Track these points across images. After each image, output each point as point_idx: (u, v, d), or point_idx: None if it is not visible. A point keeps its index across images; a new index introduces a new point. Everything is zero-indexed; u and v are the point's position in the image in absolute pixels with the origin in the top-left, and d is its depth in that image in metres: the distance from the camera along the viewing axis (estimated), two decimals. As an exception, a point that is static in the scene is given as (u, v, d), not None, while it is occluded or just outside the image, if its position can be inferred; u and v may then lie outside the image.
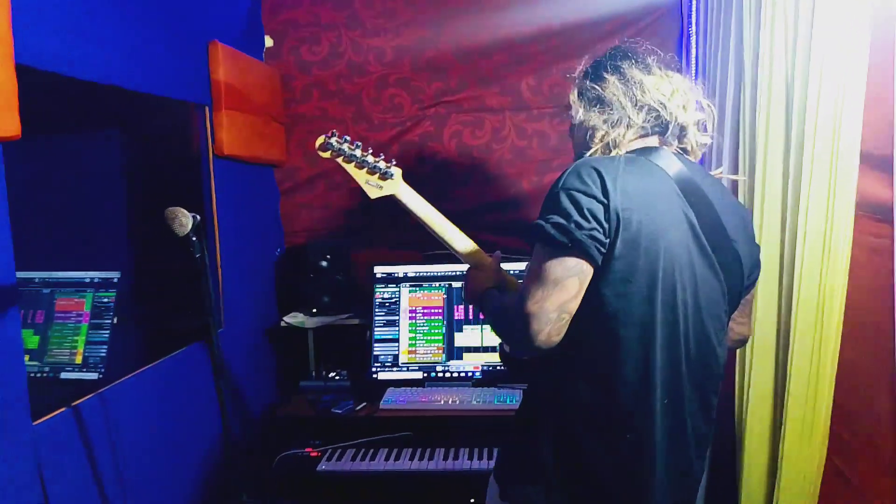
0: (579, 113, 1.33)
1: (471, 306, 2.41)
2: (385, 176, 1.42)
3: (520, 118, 2.74)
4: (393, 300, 2.47)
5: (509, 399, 2.20)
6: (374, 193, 1.43)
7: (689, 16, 2.56)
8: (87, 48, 1.60)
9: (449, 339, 2.41)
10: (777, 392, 1.65)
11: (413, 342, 2.42)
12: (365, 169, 1.42)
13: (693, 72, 2.49)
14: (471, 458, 2.05)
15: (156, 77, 1.93)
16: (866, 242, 1.42)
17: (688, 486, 1.30)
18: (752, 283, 1.38)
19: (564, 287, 1.12)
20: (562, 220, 1.13)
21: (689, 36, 2.60)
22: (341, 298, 2.61)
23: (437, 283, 2.47)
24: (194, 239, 1.38)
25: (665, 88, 1.27)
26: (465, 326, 2.42)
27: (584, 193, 1.14)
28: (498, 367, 2.37)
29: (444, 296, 2.45)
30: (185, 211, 1.34)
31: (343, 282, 2.60)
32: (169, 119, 2.28)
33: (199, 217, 1.39)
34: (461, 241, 1.48)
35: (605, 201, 1.13)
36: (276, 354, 2.71)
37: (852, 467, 1.47)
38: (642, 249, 1.15)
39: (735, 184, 1.91)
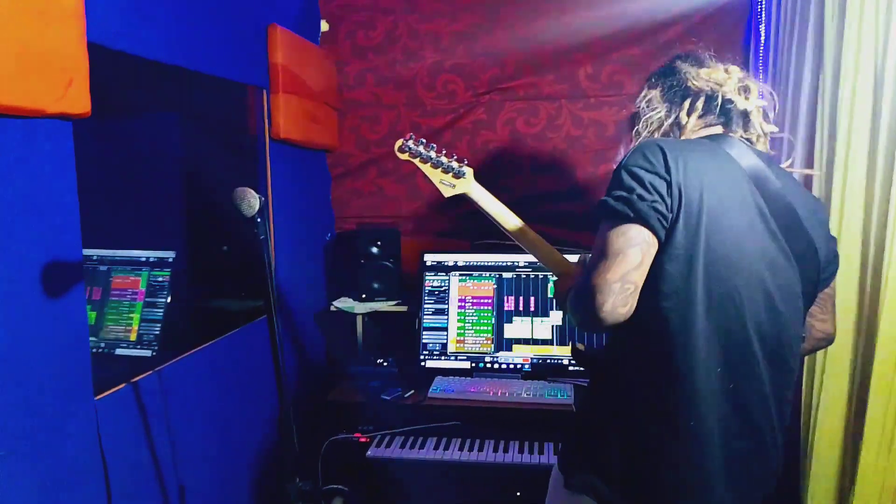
0: (643, 104, 1.37)
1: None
2: (458, 175, 1.48)
3: (576, 106, 2.67)
4: (442, 289, 2.45)
5: (560, 394, 2.16)
6: (447, 192, 1.50)
7: (759, 3, 2.45)
8: (152, 28, 1.61)
9: (498, 329, 2.38)
10: (852, 398, 1.57)
11: (462, 332, 2.40)
12: (440, 168, 1.48)
13: (761, 61, 2.38)
14: (521, 451, 2.02)
15: (217, 59, 1.94)
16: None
17: (758, 481, 1.24)
18: (831, 276, 1.33)
19: (627, 257, 1.12)
20: (624, 194, 1.15)
21: (758, 24, 2.49)
22: (390, 285, 2.60)
23: (488, 273, 2.43)
24: (259, 220, 1.38)
25: (719, 76, 1.29)
26: (514, 318, 2.38)
27: (646, 170, 1.15)
28: (548, 360, 2.33)
29: (495, 286, 2.42)
30: (254, 192, 1.33)
31: (393, 268, 2.59)
32: (227, 102, 2.29)
33: (264, 199, 1.39)
34: (537, 244, 1.51)
35: (668, 178, 1.14)
36: (324, 339, 2.71)
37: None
38: (704, 227, 1.13)
39: (807, 178, 1.83)
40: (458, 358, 2.38)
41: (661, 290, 1.15)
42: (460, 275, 2.45)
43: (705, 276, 1.14)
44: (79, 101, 1.32)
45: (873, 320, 1.48)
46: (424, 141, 1.49)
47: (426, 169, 1.50)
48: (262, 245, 1.45)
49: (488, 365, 2.36)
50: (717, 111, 1.29)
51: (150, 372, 1.65)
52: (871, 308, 1.51)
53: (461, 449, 2.04)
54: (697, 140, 1.26)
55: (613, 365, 1.27)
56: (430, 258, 2.48)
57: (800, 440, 1.72)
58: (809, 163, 1.86)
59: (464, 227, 2.77)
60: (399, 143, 1.49)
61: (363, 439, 2.09)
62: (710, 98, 1.28)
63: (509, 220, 1.52)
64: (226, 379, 1.98)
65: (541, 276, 2.40)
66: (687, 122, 1.29)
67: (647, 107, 1.36)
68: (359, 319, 2.59)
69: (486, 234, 2.78)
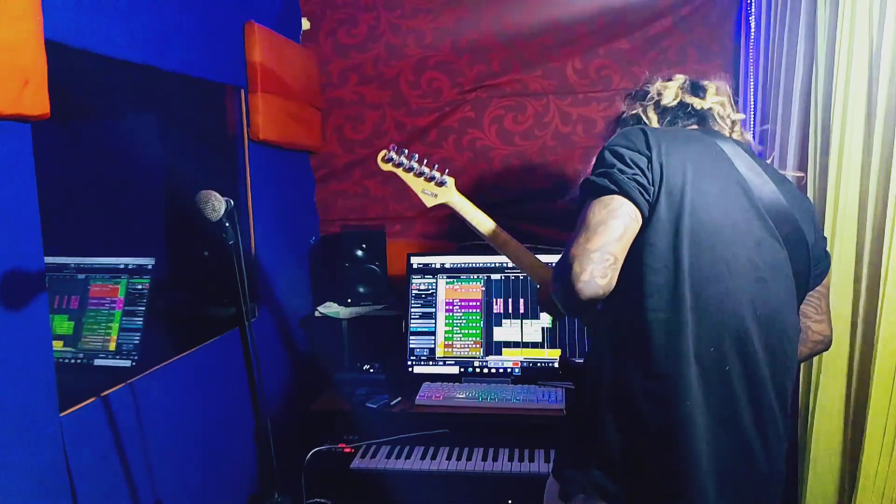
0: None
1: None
2: (439, 184, 1.54)
3: (564, 102, 2.61)
4: (429, 292, 2.38)
5: (551, 398, 2.10)
6: (429, 202, 1.56)
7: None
8: (117, 25, 1.54)
9: (487, 333, 2.31)
10: (850, 401, 1.51)
11: (450, 336, 2.33)
12: (422, 178, 1.55)
13: (752, 53, 2.33)
14: (511, 459, 1.96)
15: (191, 58, 1.87)
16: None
17: (754, 482, 1.18)
18: (823, 273, 1.31)
19: (608, 227, 1.12)
20: (604, 170, 1.17)
21: (748, 16, 2.44)
22: (376, 289, 2.53)
23: (476, 275, 2.37)
24: (227, 224, 1.31)
25: (660, 86, 1.37)
26: (504, 320, 2.32)
27: (627, 147, 1.18)
28: (538, 364, 2.27)
29: (483, 288, 2.36)
30: (218, 195, 1.26)
31: (378, 272, 2.53)
32: (204, 102, 2.22)
33: (232, 202, 1.32)
34: (519, 253, 1.53)
35: (648, 153, 1.16)
36: (309, 345, 2.65)
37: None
38: (689, 200, 1.14)
39: (800, 181, 1.77)
40: (447, 363, 2.31)
41: (648, 265, 1.14)
42: (447, 277, 2.38)
43: (691, 246, 1.13)
44: (36, 103, 1.25)
45: (871, 320, 1.43)
46: (406, 151, 1.54)
47: (408, 179, 1.56)
48: (232, 251, 1.38)
49: (477, 370, 2.29)
50: (682, 115, 1.34)
51: (122, 385, 1.58)
52: (868, 307, 1.46)
53: (449, 458, 1.97)
54: (682, 128, 1.32)
55: (599, 356, 1.23)
56: (416, 260, 2.42)
57: (797, 445, 1.67)
58: (803, 156, 1.81)
59: (451, 228, 2.70)
60: (382, 154, 1.54)
61: (348, 450, 2.02)
62: (657, 104, 1.35)
63: (490, 228, 1.54)
64: (203, 390, 1.91)
65: (529, 278, 2.33)
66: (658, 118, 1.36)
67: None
68: (344, 325, 2.52)
69: (473, 236, 2.72)
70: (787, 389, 1.21)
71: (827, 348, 1.37)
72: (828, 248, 1.33)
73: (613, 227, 1.11)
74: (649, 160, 1.16)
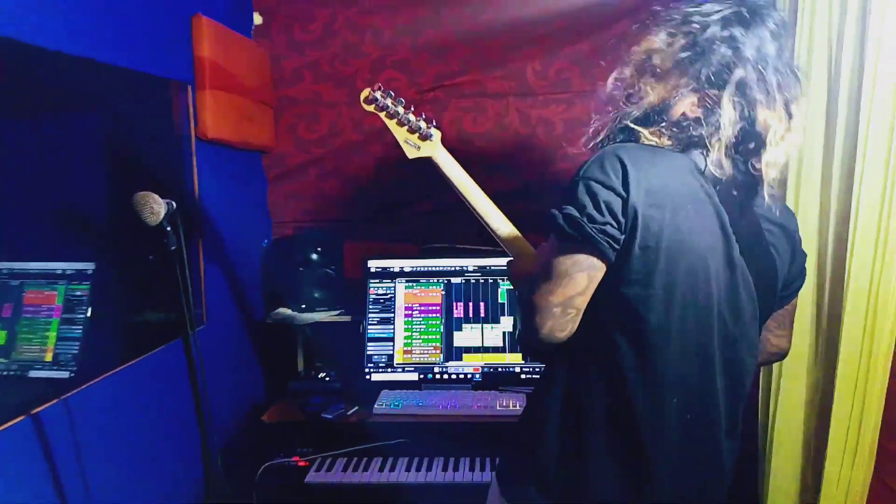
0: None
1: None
2: (424, 136, 1.43)
3: (524, 104, 2.58)
4: (388, 296, 2.31)
5: (513, 404, 2.05)
6: (411, 153, 1.45)
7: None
8: (55, 15, 1.43)
9: (447, 338, 2.26)
10: (809, 405, 1.51)
11: (409, 341, 2.27)
12: (406, 127, 1.43)
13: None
14: (472, 468, 1.90)
15: (133, 51, 1.76)
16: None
17: (707, 483, 1.18)
18: (794, 293, 1.26)
19: (572, 281, 1.07)
20: (574, 213, 1.06)
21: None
22: (332, 294, 2.45)
23: (436, 279, 2.31)
24: (168, 229, 1.22)
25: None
26: (464, 325, 2.27)
27: (603, 185, 1.05)
28: (499, 369, 2.22)
29: (443, 292, 2.30)
30: (158, 197, 1.17)
31: (334, 276, 2.45)
32: (149, 99, 2.10)
33: (174, 204, 1.23)
34: (500, 222, 1.46)
35: (625, 195, 1.04)
36: (261, 353, 2.54)
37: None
38: (662, 252, 1.04)
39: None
40: (406, 370, 2.25)
41: (617, 312, 1.09)
42: (407, 281, 2.32)
43: (659, 302, 1.06)
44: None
45: (835, 324, 1.42)
46: (393, 94, 1.41)
47: (391, 125, 1.44)
48: (174, 257, 1.29)
49: (437, 376, 2.24)
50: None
51: (55, 401, 1.47)
52: (831, 310, 1.45)
53: (409, 469, 1.91)
54: (663, 150, 1.12)
55: (558, 366, 1.19)
56: (374, 264, 2.35)
57: (757, 448, 1.66)
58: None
59: (411, 230, 2.64)
60: (366, 92, 1.40)
61: (302, 463, 1.94)
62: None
63: (473, 191, 1.47)
64: (148, 403, 1.80)
65: (490, 281, 2.29)
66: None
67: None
68: (298, 331, 2.43)
69: (435, 237, 2.67)
70: (739, 417, 1.19)
71: (781, 359, 1.36)
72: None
73: (578, 280, 1.06)
74: (625, 202, 1.04)
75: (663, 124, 1.13)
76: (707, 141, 1.08)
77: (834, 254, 1.44)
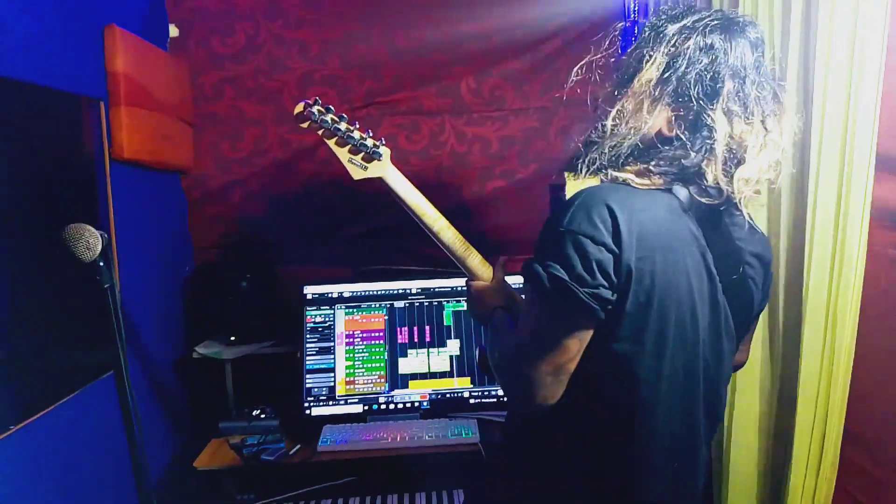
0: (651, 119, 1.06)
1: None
2: (371, 156, 1.29)
3: (459, 122, 2.54)
4: (326, 324, 2.19)
5: (465, 432, 1.98)
6: (357, 174, 1.30)
7: (633, 15, 2.46)
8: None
9: (392, 365, 2.16)
10: (765, 417, 1.53)
11: (351, 371, 2.15)
12: (348, 146, 1.28)
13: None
14: (429, 503, 1.81)
15: (38, 64, 1.58)
16: (885, 254, 1.32)
17: None
18: (759, 314, 1.25)
19: (563, 348, 0.99)
20: (562, 274, 0.96)
21: (631, 42, 2.51)
22: (264, 324, 2.29)
23: (377, 303, 2.21)
24: (102, 265, 1.07)
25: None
26: (409, 351, 2.18)
27: (593, 240, 0.95)
28: (447, 395, 2.14)
29: (386, 317, 2.20)
30: (93, 229, 1.02)
31: (266, 304, 2.29)
32: (56, 117, 1.88)
33: (107, 236, 1.08)
34: (457, 243, 1.36)
35: (617, 251, 0.96)
36: (186, 392, 2.34)
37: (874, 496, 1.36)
38: (654, 306, 0.98)
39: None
40: (349, 402, 2.12)
41: (605, 368, 1.02)
42: (346, 307, 2.20)
43: (650, 356, 1.00)
44: None
45: (790, 336, 1.45)
46: (332, 108, 1.25)
47: (331, 145, 1.28)
48: (108, 294, 1.14)
49: (383, 406, 2.13)
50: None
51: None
52: (786, 321, 1.48)
53: (362, 510, 1.79)
54: (647, 192, 1.04)
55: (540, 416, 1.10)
56: (311, 290, 2.21)
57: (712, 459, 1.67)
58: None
59: (346, 253, 2.53)
60: (299, 107, 1.23)
61: (244, 511, 1.78)
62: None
63: (428, 211, 1.35)
64: (64, 458, 1.59)
65: (435, 303, 2.22)
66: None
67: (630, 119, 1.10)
68: (228, 366, 2.25)
69: (371, 259, 2.56)
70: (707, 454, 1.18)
71: (736, 371, 1.37)
72: None
73: (569, 347, 0.98)
74: (617, 259, 0.96)
75: (651, 161, 1.05)
76: (699, 166, 1.01)
77: (788, 265, 1.46)
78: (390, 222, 2.53)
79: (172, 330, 2.36)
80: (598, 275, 0.95)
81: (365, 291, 2.22)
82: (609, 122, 1.09)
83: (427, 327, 2.20)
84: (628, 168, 1.08)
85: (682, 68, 1.01)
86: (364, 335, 2.18)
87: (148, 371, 2.12)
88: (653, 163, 1.04)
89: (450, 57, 2.49)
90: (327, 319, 2.19)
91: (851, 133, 1.30)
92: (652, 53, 1.06)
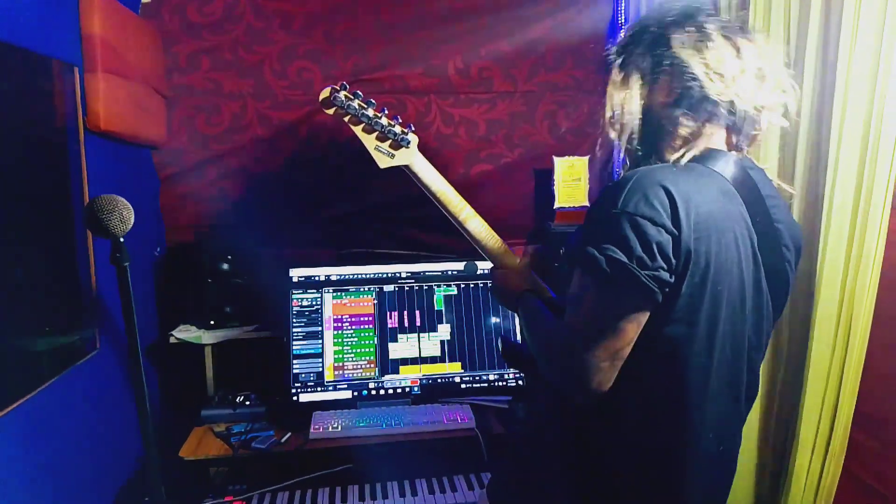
0: (645, 98, 1.08)
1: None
2: (399, 143, 1.26)
3: (446, 103, 2.49)
4: (314, 308, 2.11)
5: (458, 417, 1.96)
6: (384, 162, 1.28)
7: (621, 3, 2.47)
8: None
9: (382, 350, 2.11)
10: (766, 397, 1.56)
11: (340, 356, 2.09)
12: (375, 133, 1.26)
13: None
14: (431, 491, 1.78)
15: (5, 19, 1.43)
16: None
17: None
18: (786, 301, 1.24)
19: (621, 333, 0.96)
20: (621, 256, 0.94)
21: (619, 27, 2.51)
22: (246, 307, 2.20)
23: (366, 287, 2.15)
24: (123, 241, 0.98)
25: (732, 65, 1.04)
26: (399, 335, 2.13)
27: (652, 221, 0.94)
28: (439, 380, 2.11)
29: (375, 301, 2.15)
30: (126, 201, 0.94)
31: (248, 287, 2.19)
32: (21, 81, 1.73)
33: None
34: (483, 232, 1.34)
35: (676, 233, 0.94)
36: (163, 378, 2.22)
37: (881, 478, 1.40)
38: (708, 288, 0.98)
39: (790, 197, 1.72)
40: (338, 387, 2.06)
41: (658, 352, 1.00)
42: (334, 290, 2.13)
43: (702, 339, 1.00)
44: None
45: (807, 324, 1.47)
46: (361, 94, 1.23)
47: (358, 132, 1.26)
48: (125, 274, 1.05)
49: (373, 392, 2.08)
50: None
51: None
52: (792, 305, 1.50)
53: (362, 498, 1.74)
54: (700, 169, 1.03)
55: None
56: (297, 273, 2.13)
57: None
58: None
59: (329, 233, 2.45)
60: (326, 92, 1.21)
61: (237, 503, 1.70)
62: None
63: (455, 201, 1.33)
64: (41, 449, 1.47)
65: (425, 287, 2.17)
66: (703, 130, 1.08)
67: (657, 106, 1.12)
68: (207, 351, 2.15)
69: (353, 243, 2.49)
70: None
71: None
72: None
73: (628, 331, 0.96)
74: (676, 241, 0.94)
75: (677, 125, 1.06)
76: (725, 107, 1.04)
77: (805, 258, 1.49)
78: (373, 204, 2.47)
79: (145, 314, 2.23)
80: (658, 257, 0.94)
81: (353, 275, 2.15)
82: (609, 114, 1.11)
83: (417, 311, 2.15)
84: (667, 148, 1.08)
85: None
86: (353, 319, 2.12)
87: (122, 356, 2.00)
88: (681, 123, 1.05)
89: (437, 36, 2.43)
90: (314, 303, 2.12)
91: (878, 117, 1.32)
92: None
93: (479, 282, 2.18)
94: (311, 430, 1.89)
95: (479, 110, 2.52)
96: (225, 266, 2.16)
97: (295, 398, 2.04)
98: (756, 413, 1.61)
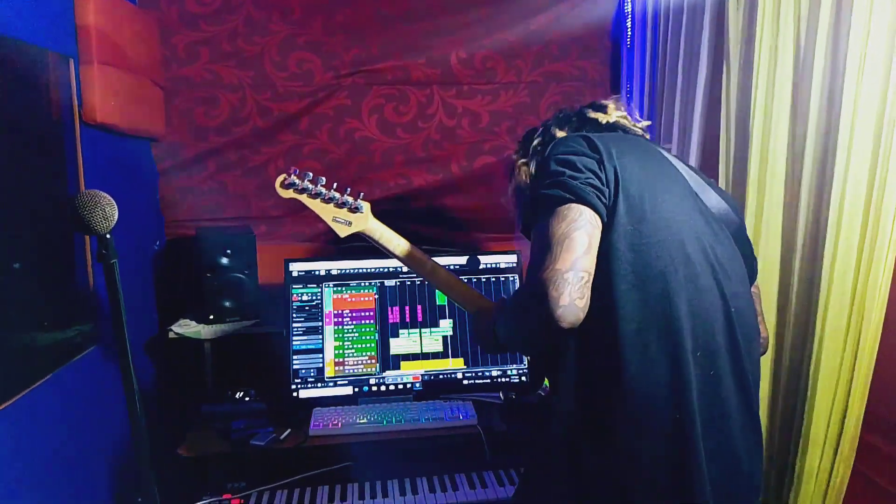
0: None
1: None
2: (353, 209, 1.38)
3: (449, 94, 2.46)
4: (314, 303, 2.09)
5: (462, 413, 1.93)
6: (343, 231, 1.39)
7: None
8: None
9: (383, 346, 2.08)
10: (770, 398, 1.53)
11: (340, 352, 2.06)
12: (332, 203, 1.37)
13: (636, 55, 2.36)
14: (433, 490, 1.75)
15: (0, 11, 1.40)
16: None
17: (741, 485, 1.13)
18: (756, 273, 1.31)
19: (573, 241, 1.03)
20: (554, 179, 1.09)
21: (624, 18, 2.47)
22: (246, 302, 2.17)
23: (367, 282, 2.12)
24: (110, 237, 0.95)
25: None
26: (400, 331, 2.10)
27: (574, 153, 1.11)
28: (440, 376, 2.09)
29: (376, 296, 2.12)
30: (109, 196, 0.91)
31: (247, 281, 2.17)
32: (16, 73, 1.70)
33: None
34: (453, 280, 1.40)
35: (597, 155, 1.10)
36: (161, 373, 2.20)
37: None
38: (648, 205, 1.08)
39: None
40: (339, 383, 2.04)
41: (615, 270, 1.06)
42: (335, 285, 2.10)
43: (656, 252, 1.06)
44: None
45: (801, 322, 1.44)
46: (311, 175, 1.34)
47: (315, 206, 1.38)
48: (113, 270, 1.02)
49: (374, 388, 2.05)
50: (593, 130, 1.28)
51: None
52: (798, 308, 1.47)
53: (362, 496, 1.72)
54: (621, 133, 1.29)
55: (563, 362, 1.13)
56: (296, 267, 2.10)
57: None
58: (707, 155, 1.84)
59: (327, 228, 2.41)
60: (281, 178, 1.34)
61: (235, 501, 1.68)
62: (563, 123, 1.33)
63: (415, 256, 1.41)
64: (36, 445, 1.45)
65: (427, 283, 2.14)
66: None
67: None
68: (207, 346, 2.13)
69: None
70: (758, 388, 1.18)
71: (764, 351, 1.37)
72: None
73: (578, 239, 1.02)
74: (599, 162, 1.09)
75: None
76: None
77: (804, 248, 1.46)
78: (375, 197, 2.44)
79: (144, 308, 2.21)
80: (586, 171, 1.08)
81: (354, 269, 2.12)
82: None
83: (419, 307, 2.12)
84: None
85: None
86: (353, 314, 2.10)
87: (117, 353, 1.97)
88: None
89: (440, 26, 2.39)
90: (315, 298, 2.09)
91: (890, 123, 1.29)
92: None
93: (481, 276, 2.15)
94: (311, 427, 1.86)
95: (482, 101, 2.48)
96: (224, 260, 2.13)
97: (295, 394, 2.01)
98: (762, 413, 1.57)
